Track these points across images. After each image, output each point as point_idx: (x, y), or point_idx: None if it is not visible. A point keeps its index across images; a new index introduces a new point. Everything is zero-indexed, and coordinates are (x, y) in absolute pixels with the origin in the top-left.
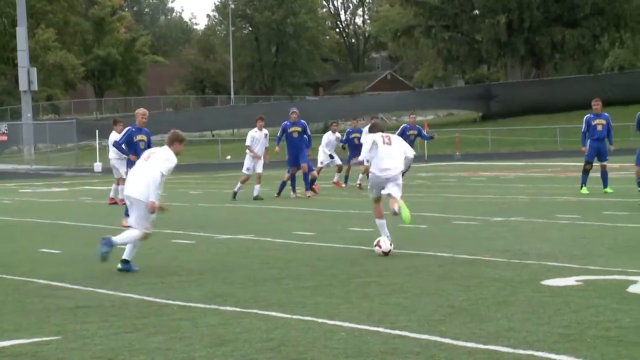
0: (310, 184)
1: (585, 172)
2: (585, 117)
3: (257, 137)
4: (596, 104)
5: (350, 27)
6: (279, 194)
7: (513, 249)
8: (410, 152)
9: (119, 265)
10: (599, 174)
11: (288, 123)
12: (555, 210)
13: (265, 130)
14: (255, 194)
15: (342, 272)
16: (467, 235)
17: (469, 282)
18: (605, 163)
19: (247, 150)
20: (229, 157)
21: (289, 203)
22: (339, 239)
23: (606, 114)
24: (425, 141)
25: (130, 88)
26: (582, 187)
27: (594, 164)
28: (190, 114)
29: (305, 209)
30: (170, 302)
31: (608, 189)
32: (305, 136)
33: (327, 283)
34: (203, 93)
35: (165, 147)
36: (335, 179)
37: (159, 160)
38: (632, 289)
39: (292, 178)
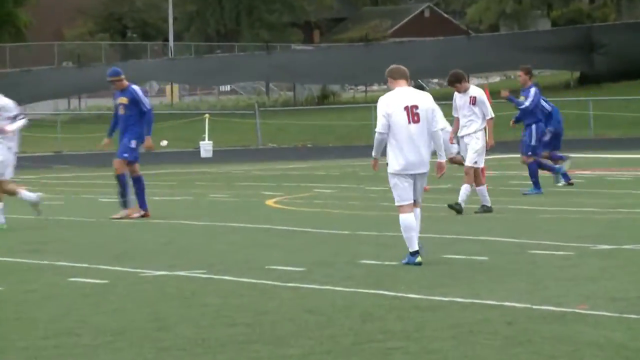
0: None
1: None
2: None
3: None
4: None
5: None
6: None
7: (629, 296)
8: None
9: None
10: None
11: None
12: None
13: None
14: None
15: (348, 333)
16: (552, 274)
17: (556, 351)
18: None
19: None
20: (165, 142)
21: (256, 219)
22: (343, 279)
23: None
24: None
25: (5, 29)
26: None
27: None
28: (103, 72)
29: (287, 227)
30: None
31: None
32: (139, 111)
33: (323, 350)
34: (123, 38)
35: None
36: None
37: None
38: None
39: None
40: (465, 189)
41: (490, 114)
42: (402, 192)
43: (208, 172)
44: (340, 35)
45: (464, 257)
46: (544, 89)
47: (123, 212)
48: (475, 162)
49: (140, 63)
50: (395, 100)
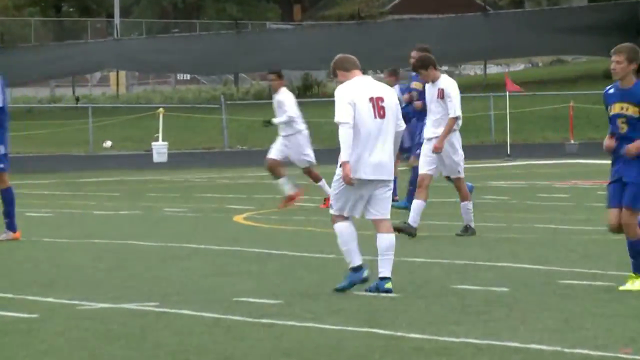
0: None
1: None
2: None
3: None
4: None
5: None
6: None
7: None
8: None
9: None
10: None
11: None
12: None
13: None
14: None
15: None
16: (589, 309)
17: None
18: None
19: None
20: (108, 142)
21: (222, 239)
22: (329, 314)
23: None
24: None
25: None
26: None
27: None
28: (32, 55)
29: (260, 250)
30: None
31: None
32: None
33: None
34: (58, 14)
35: None
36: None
37: None
38: None
39: None
40: (465, 207)
41: (455, 112)
42: (349, 201)
43: (162, 180)
44: (327, 12)
45: (479, 287)
46: (578, 79)
47: (6, 235)
48: (459, 172)
49: (79, 45)
50: (359, 90)
